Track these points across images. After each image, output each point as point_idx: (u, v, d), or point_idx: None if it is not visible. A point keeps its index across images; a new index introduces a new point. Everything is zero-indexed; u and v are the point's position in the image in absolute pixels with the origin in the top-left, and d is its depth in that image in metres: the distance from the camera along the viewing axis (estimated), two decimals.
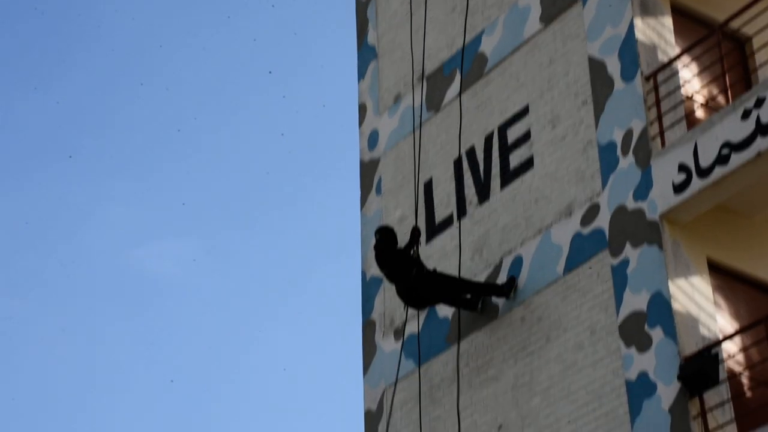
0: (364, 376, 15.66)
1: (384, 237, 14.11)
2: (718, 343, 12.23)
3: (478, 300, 14.17)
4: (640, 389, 12.49)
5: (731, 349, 12.41)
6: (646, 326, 12.62)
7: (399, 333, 15.32)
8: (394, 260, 13.99)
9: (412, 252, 14.06)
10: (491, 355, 14.14)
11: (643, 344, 12.60)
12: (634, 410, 12.46)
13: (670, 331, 12.38)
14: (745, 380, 12.31)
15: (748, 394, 12.23)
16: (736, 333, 12.24)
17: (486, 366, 14.16)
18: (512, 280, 13.93)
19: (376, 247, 14.15)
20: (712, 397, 12.03)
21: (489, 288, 14.10)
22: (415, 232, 14.15)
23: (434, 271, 14.11)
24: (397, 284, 14.04)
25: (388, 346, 15.44)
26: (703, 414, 11.93)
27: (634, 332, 12.72)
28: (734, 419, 11.93)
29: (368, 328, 15.84)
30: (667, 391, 12.24)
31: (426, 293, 14.01)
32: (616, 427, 12.59)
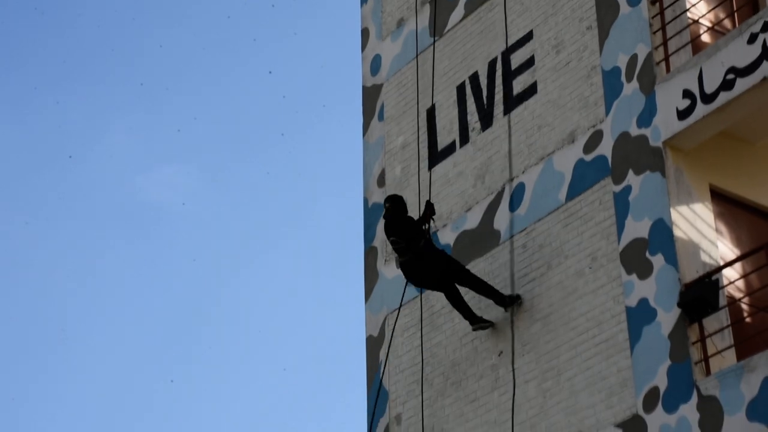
0: (365, 303, 15.67)
1: (394, 203, 13.67)
2: (719, 269, 12.20)
3: (478, 319, 13.60)
4: (640, 316, 12.48)
5: (732, 275, 12.37)
6: (647, 253, 12.57)
7: None
8: (403, 228, 13.42)
9: (424, 227, 13.58)
10: (492, 282, 14.10)
11: (643, 271, 12.56)
12: (634, 336, 12.45)
13: (671, 258, 12.34)
14: (744, 306, 12.30)
15: (748, 320, 12.22)
16: (737, 259, 12.20)
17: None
18: (517, 297, 13.52)
19: (385, 216, 13.70)
20: (711, 323, 12.02)
21: (491, 291, 13.60)
22: (430, 207, 13.67)
23: (442, 251, 13.63)
24: (401, 255, 13.45)
25: (389, 272, 15.42)
26: (702, 340, 11.93)
27: (635, 259, 12.68)
28: (733, 345, 11.93)
29: (370, 254, 15.82)
30: (667, 318, 12.22)
31: (430, 272, 13.41)
32: (616, 353, 12.59)
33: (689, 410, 11.77)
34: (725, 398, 11.50)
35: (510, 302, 13.55)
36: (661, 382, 12.09)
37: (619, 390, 12.47)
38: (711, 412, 11.58)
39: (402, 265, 13.48)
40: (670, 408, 11.94)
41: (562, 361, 13.12)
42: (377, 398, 14.72)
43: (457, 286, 13.70)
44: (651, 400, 12.12)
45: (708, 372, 11.84)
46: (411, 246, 13.32)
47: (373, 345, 15.34)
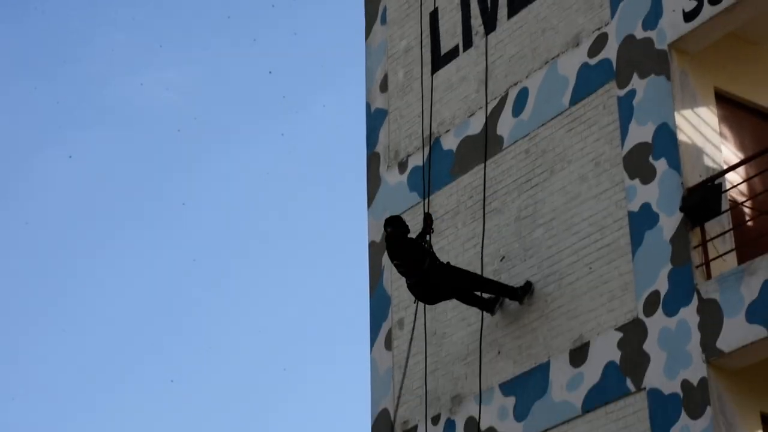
0: (368, 209, 15.63)
1: (394, 227, 13.29)
2: (722, 173, 12.11)
3: (495, 303, 13.43)
4: (642, 220, 12.42)
5: (735, 179, 12.30)
6: (650, 158, 12.49)
7: (403, 165, 15.23)
8: (406, 251, 13.10)
9: (424, 243, 13.28)
10: (495, 188, 14.06)
11: (646, 176, 12.48)
12: (636, 241, 12.41)
13: (675, 163, 12.25)
14: (746, 210, 12.23)
15: (750, 223, 12.17)
16: (740, 163, 12.11)
17: (490, 198, 14.08)
18: (528, 285, 13.27)
19: (386, 239, 13.36)
20: (713, 227, 11.96)
21: (503, 289, 13.35)
22: (428, 220, 13.36)
23: (448, 264, 13.34)
24: (408, 278, 13.15)
25: (392, 178, 15.37)
26: (703, 243, 11.89)
27: (638, 164, 12.59)
28: (734, 248, 11.89)
29: (372, 160, 15.75)
30: (669, 222, 12.17)
31: (438, 287, 13.16)
32: (617, 258, 12.56)
33: (689, 313, 11.76)
34: (725, 301, 11.48)
35: (522, 293, 13.24)
36: (662, 285, 12.07)
37: (620, 294, 12.46)
38: (711, 315, 11.57)
39: (411, 287, 13.22)
40: (671, 311, 11.93)
41: (564, 266, 13.10)
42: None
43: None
44: (651, 303, 12.11)
45: (708, 276, 11.81)
46: (417, 268, 13.06)
47: (376, 251, 15.32)
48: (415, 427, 14.07)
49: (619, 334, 12.33)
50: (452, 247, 14.25)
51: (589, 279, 12.81)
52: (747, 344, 11.24)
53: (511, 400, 13.15)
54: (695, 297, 11.75)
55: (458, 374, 13.79)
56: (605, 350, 12.42)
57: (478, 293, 13.47)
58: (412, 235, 13.43)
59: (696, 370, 11.58)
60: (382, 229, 15.18)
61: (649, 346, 12.03)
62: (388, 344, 14.75)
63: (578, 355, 12.65)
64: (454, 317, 14.04)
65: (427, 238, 13.30)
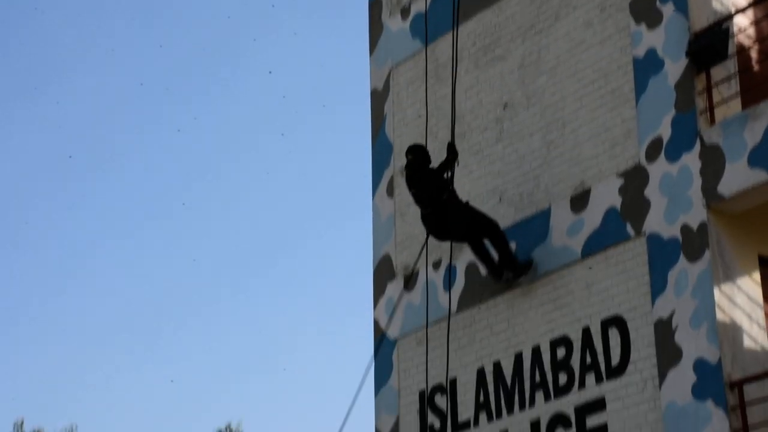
0: (370, 56, 15.50)
1: (415, 155, 12.90)
2: (730, 17, 11.97)
3: (501, 270, 12.96)
4: (647, 66, 12.33)
5: (742, 23, 12.15)
6: (657, 2, 12.34)
7: (406, 12, 15.07)
8: (425, 180, 12.75)
9: (446, 175, 12.82)
10: (499, 34, 13.93)
11: (653, 20, 12.35)
12: (640, 87, 12.34)
13: (682, 6, 12.11)
14: (753, 54, 12.13)
15: (756, 68, 12.07)
16: (749, 6, 11.96)
17: (493, 45, 13.97)
18: (529, 264, 12.85)
19: (406, 166, 13.02)
20: (718, 72, 11.88)
21: (507, 256, 12.83)
22: (452, 152, 12.88)
23: (467, 203, 12.92)
24: (423, 208, 12.80)
25: (394, 24, 15.22)
26: (708, 89, 11.82)
27: (644, 8, 12.45)
28: (739, 93, 11.82)
29: (375, 7, 15.57)
30: (674, 68, 12.08)
31: (452, 225, 12.76)
32: (621, 104, 12.51)
33: (691, 159, 11.75)
34: (728, 146, 11.46)
35: (520, 272, 12.82)
36: (665, 131, 12.04)
37: (623, 140, 12.43)
38: (713, 160, 11.56)
39: (424, 217, 12.87)
40: (673, 157, 11.92)
41: (567, 113, 13.05)
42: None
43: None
44: (654, 149, 12.09)
45: (712, 121, 11.77)
46: (434, 199, 12.71)
47: (378, 98, 15.24)
48: (417, 273, 14.15)
49: (621, 181, 12.33)
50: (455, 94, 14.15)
51: (592, 126, 12.77)
52: (748, 188, 11.25)
53: (512, 246, 13.20)
54: (698, 143, 11.73)
55: None
56: (606, 196, 12.44)
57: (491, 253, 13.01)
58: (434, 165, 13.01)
59: (696, 215, 11.62)
60: (384, 77, 15.11)
61: (650, 191, 12.05)
62: (390, 191, 14.77)
63: (579, 201, 12.68)
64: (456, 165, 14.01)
65: (448, 174, 12.85)
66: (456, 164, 12.94)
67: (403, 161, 14.63)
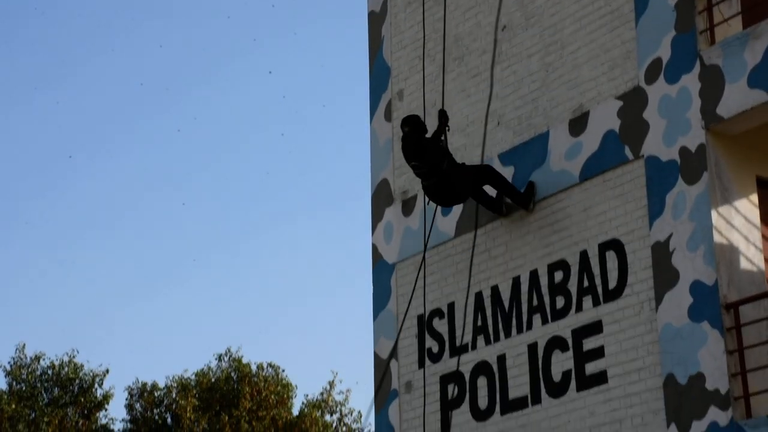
0: None
1: (411, 128, 12.60)
2: None
3: (501, 202, 12.95)
4: None
5: None
6: None
7: None
8: (424, 151, 12.48)
9: (441, 142, 12.61)
10: None
11: None
12: (640, 7, 12.17)
13: None
14: None
15: None
16: None
17: None
18: (531, 187, 12.75)
19: (403, 139, 12.69)
20: None
21: (512, 193, 12.77)
22: (443, 117, 12.71)
23: (463, 164, 12.78)
24: (426, 179, 12.57)
25: None
26: (709, 8, 11.67)
27: None
28: (740, 12, 11.65)
29: None
30: None
31: (456, 188, 12.56)
32: (621, 25, 12.35)
33: (691, 80, 11.61)
34: (727, 66, 11.31)
35: (528, 199, 12.75)
36: (665, 52, 11.88)
37: (622, 62, 12.28)
38: (712, 81, 11.42)
39: (426, 189, 12.66)
40: (672, 78, 11.78)
41: (566, 35, 12.89)
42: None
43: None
44: (653, 71, 11.95)
45: (712, 41, 11.62)
46: (434, 169, 12.47)
47: (375, 20, 15.09)
48: (414, 197, 14.09)
49: (619, 103, 12.21)
50: (452, 16, 14.00)
51: (591, 47, 12.62)
52: (747, 109, 11.12)
53: (510, 170, 13.12)
54: (698, 63, 11.58)
55: (458, 145, 13.73)
56: (605, 119, 12.32)
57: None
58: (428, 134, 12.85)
59: (695, 137, 11.50)
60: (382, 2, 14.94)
61: (649, 113, 11.92)
62: (388, 115, 14.66)
63: (578, 124, 12.56)
64: (454, 89, 13.90)
65: (443, 139, 12.69)
66: (447, 129, 12.79)
67: (401, 85, 14.54)
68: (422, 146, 12.53)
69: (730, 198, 11.38)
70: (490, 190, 13.14)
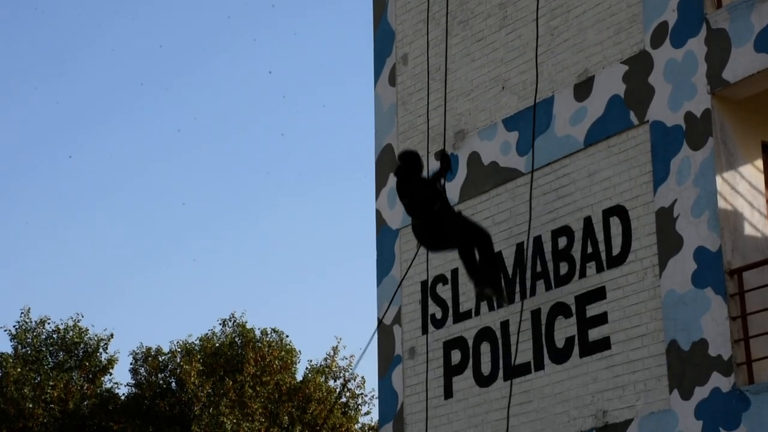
0: None
1: (406, 163, 12.30)
2: None
3: (485, 281, 12.24)
4: None
5: None
6: None
7: None
8: (417, 190, 12.13)
9: (439, 185, 12.27)
10: None
11: None
12: None
13: None
14: None
15: None
16: None
17: None
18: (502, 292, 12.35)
19: (396, 174, 12.39)
20: None
21: (493, 278, 12.25)
22: (445, 160, 12.34)
23: (459, 213, 12.38)
24: (414, 217, 12.22)
25: None
26: None
27: None
28: None
29: None
30: None
31: (445, 235, 12.15)
32: None
33: (697, 44, 11.52)
34: (734, 30, 11.22)
35: (499, 293, 12.32)
36: (671, 16, 11.79)
37: (628, 26, 12.18)
38: (718, 45, 11.32)
39: (415, 227, 12.28)
40: (678, 43, 11.68)
41: None
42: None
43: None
44: (659, 35, 11.85)
45: (719, 4, 11.52)
46: (425, 209, 12.10)
47: None
48: None
49: (625, 67, 12.11)
50: None
51: (596, 11, 12.52)
52: (753, 73, 11.04)
53: (514, 135, 13.05)
54: (704, 27, 11.48)
55: (462, 110, 13.66)
56: (610, 83, 12.24)
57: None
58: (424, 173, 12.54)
59: (700, 102, 11.42)
60: None
61: (655, 78, 11.83)
62: (392, 80, 14.58)
63: (583, 88, 12.48)
64: (458, 53, 13.81)
65: (441, 183, 12.37)
66: (450, 172, 12.59)
67: (405, 50, 14.44)
68: (414, 183, 12.22)
69: (735, 163, 11.31)
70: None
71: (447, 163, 12.46)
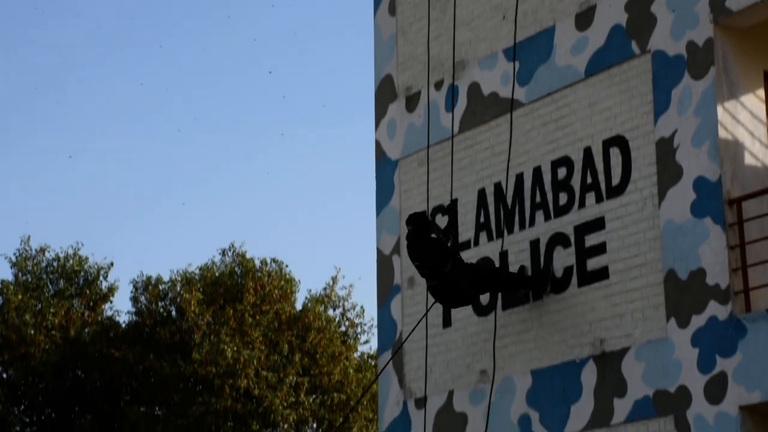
0: None
1: (414, 226, 12.13)
2: None
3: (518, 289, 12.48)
4: None
5: None
6: None
7: None
8: (427, 251, 12.00)
9: (448, 240, 12.24)
10: None
11: None
12: None
13: None
14: None
15: None
16: None
17: None
18: (547, 272, 12.30)
19: (407, 238, 12.21)
20: None
21: (525, 281, 12.41)
22: (453, 212, 12.29)
23: (472, 265, 12.39)
24: (429, 279, 12.06)
25: None
26: None
27: None
28: None
29: None
30: None
31: (461, 289, 12.06)
32: None
33: None
34: None
35: (544, 286, 12.33)
36: None
37: None
38: None
39: (431, 288, 12.15)
40: None
41: None
42: None
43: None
44: None
45: None
46: (438, 271, 11.97)
47: None
48: (419, 93, 13.99)
49: None
50: None
51: None
52: (757, 2, 10.98)
53: (514, 65, 13.00)
54: None
55: (462, 39, 13.60)
56: (611, 13, 12.18)
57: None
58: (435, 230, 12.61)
59: (702, 31, 11.37)
60: None
61: (657, 7, 11.77)
62: (392, 9, 14.50)
63: (584, 18, 12.42)
64: None
65: (451, 236, 12.37)
66: (456, 228, 12.54)
67: None
68: (423, 247, 12.09)
69: (736, 93, 11.29)
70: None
71: (455, 216, 12.54)
